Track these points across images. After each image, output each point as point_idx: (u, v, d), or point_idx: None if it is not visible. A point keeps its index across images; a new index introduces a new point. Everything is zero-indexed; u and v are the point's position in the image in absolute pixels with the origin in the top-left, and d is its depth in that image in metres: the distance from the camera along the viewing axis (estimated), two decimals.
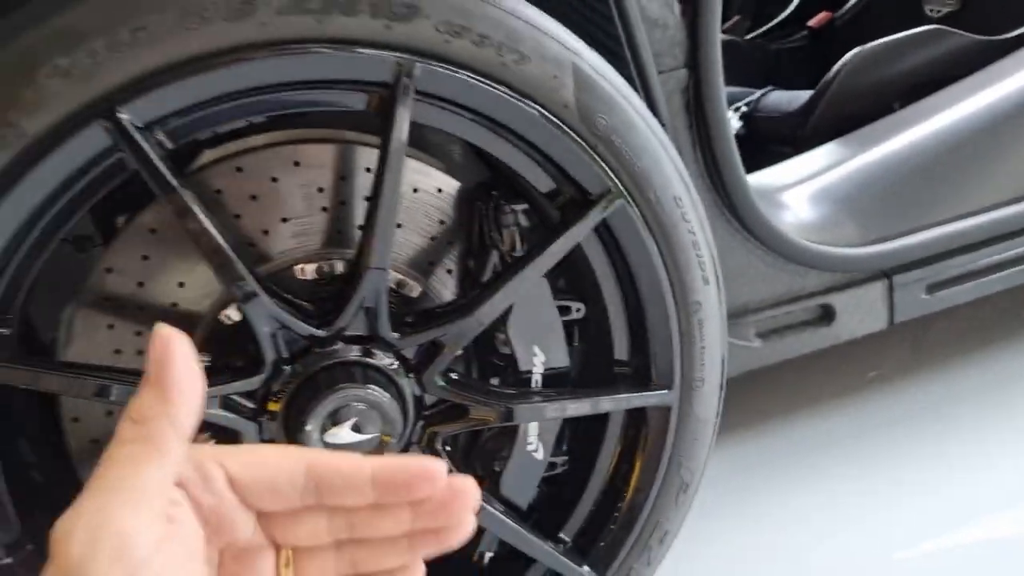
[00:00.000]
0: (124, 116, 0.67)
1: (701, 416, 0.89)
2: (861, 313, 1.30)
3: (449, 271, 0.90)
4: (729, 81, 1.26)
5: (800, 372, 1.54)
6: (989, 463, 1.34)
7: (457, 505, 0.40)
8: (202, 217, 0.70)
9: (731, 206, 1.15)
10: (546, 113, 0.76)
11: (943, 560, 1.17)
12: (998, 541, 1.20)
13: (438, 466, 0.40)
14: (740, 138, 1.70)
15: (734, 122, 1.75)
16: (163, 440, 0.37)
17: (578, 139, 0.77)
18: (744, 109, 1.76)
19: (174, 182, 0.69)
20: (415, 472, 0.40)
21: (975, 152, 1.32)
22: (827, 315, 1.27)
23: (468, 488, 0.40)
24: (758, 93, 1.77)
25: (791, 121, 1.64)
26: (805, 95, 1.63)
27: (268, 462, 0.40)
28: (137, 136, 0.67)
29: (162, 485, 0.37)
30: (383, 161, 0.72)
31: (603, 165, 0.79)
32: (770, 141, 1.69)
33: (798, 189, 1.33)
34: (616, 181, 0.80)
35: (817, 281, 1.26)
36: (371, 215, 0.73)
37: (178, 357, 0.38)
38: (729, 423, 1.42)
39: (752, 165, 1.29)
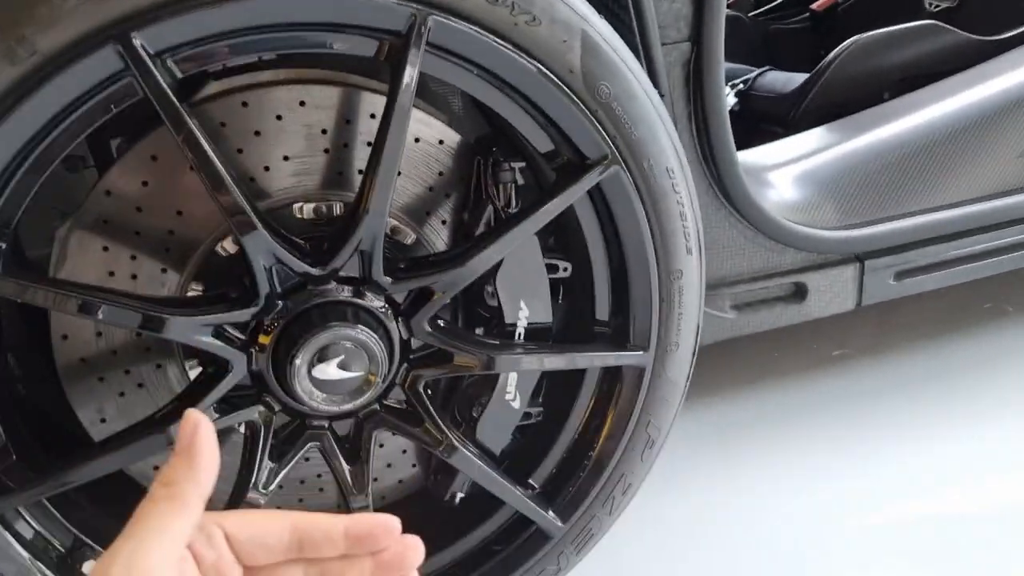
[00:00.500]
0: (138, 41, 0.67)
1: (673, 378, 0.94)
2: (832, 293, 1.35)
3: (444, 222, 0.92)
4: (728, 57, 1.28)
5: (770, 345, 1.60)
6: (949, 436, 1.38)
7: (409, 556, 0.49)
8: (207, 148, 0.72)
9: (719, 180, 1.18)
10: (552, 76, 0.78)
11: (900, 528, 1.20)
12: (957, 514, 1.24)
13: (395, 522, 0.50)
14: (734, 115, 1.72)
15: (730, 98, 1.77)
16: (189, 499, 0.45)
17: (580, 104, 0.79)
18: (741, 86, 1.78)
19: (183, 112, 0.70)
20: (379, 525, 0.49)
21: (955, 148, 1.36)
22: (799, 293, 1.32)
23: (417, 544, 0.50)
24: (756, 72, 1.78)
25: (785, 102, 1.66)
26: (801, 78, 1.65)
27: (259, 522, 0.49)
28: (149, 63, 0.68)
29: (184, 535, 0.45)
30: (389, 108, 0.74)
31: (602, 131, 0.81)
32: (763, 120, 1.71)
33: (784, 170, 1.36)
34: (613, 148, 0.82)
35: (793, 260, 1.30)
36: (373, 160, 0.75)
37: (203, 436, 0.46)
38: (701, 388, 1.49)
39: (743, 142, 1.32)
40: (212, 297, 0.81)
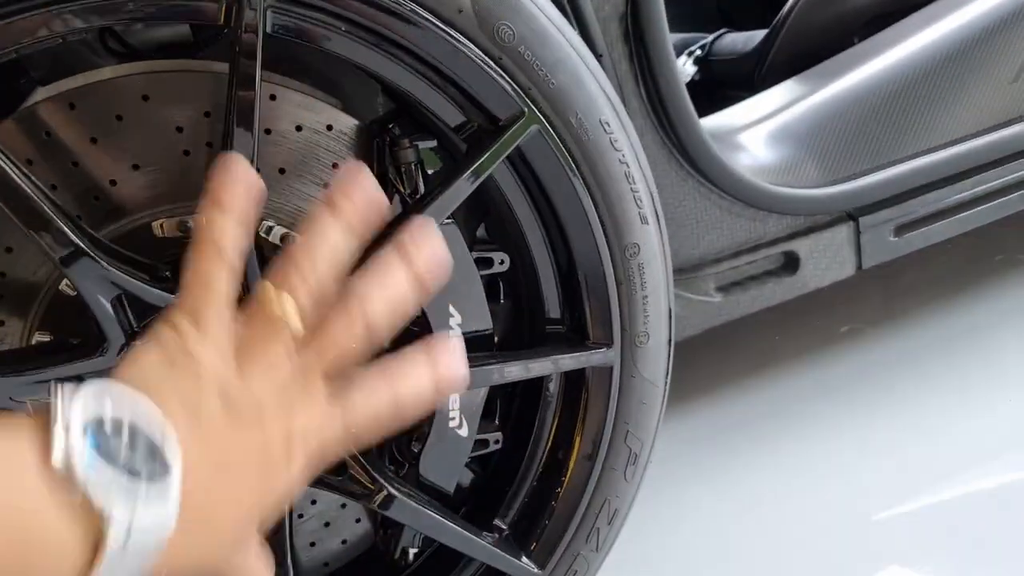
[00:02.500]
0: None
1: (648, 376, 0.77)
2: (827, 259, 1.20)
3: None
4: (680, 26, 1.15)
5: (766, 329, 1.45)
6: (968, 414, 1.26)
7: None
8: (7, 168, 0.56)
9: (681, 147, 1.03)
10: (436, 20, 0.63)
11: (924, 518, 1.10)
12: (978, 494, 1.13)
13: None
14: (695, 84, 1.59)
15: (688, 67, 1.64)
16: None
17: (478, 51, 0.64)
18: (699, 53, 1.65)
19: None
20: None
21: (941, 81, 1.22)
22: (791, 263, 1.18)
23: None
24: (712, 36, 1.66)
25: (747, 62, 1.53)
26: (760, 35, 1.52)
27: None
28: None
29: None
30: (232, 81, 0.59)
31: (511, 82, 0.66)
32: (726, 86, 1.58)
33: (756, 129, 1.22)
34: (528, 102, 0.67)
35: (778, 227, 1.16)
36: (224, 149, 0.60)
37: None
38: (690, 386, 1.35)
39: (709, 113, 1.18)
40: (47, 347, 0.65)
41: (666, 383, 0.81)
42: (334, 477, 0.71)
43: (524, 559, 0.78)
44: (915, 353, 1.39)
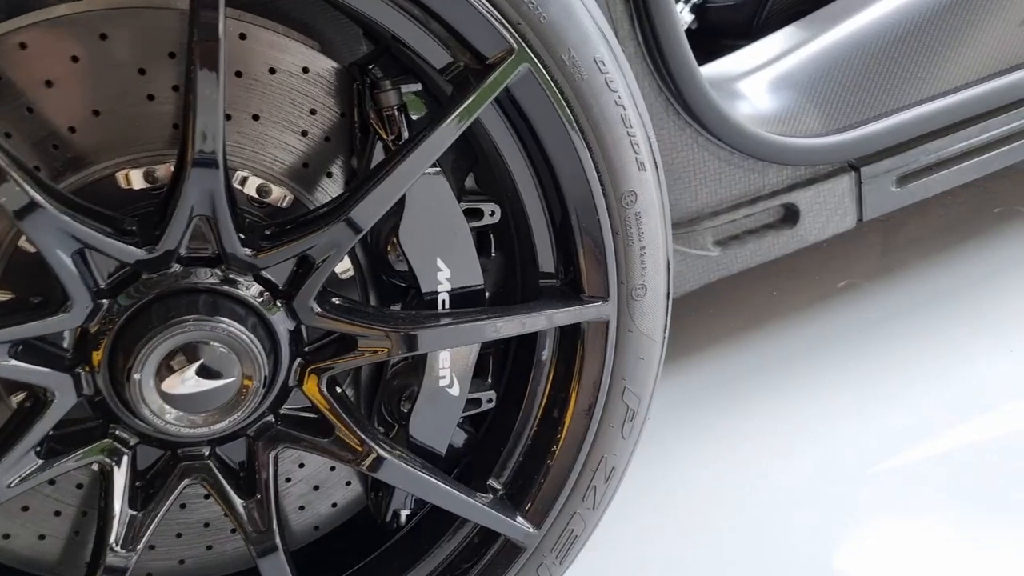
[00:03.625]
0: None
1: (645, 330, 0.74)
2: (828, 211, 1.17)
3: (329, 174, 0.72)
4: None
5: (764, 284, 1.43)
6: (969, 366, 1.25)
7: None
8: None
9: (679, 95, 0.99)
10: None
11: (925, 469, 1.10)
12: (980, 444, 1.12)
13: None
14: (692, 33, 1.53)
15: (685, 15, 1.58)
16: None
17: None
18: (695, 0, 1.59)
19: None
20: None
21: (947, 25, 1.18)
22: (791, 216, 1.14)
23: None
24: None
25: (746, 8, 1.47)
26: None
27: None
28: None
29: None
30: (194, 18, 0.54)
31: (499, 17, 0.61)
32: (724, 35, 1.52)
33: (755, 77, 1.17)
34: (518, 38, 0.62)
35: (778, 178, 1.12)
36: (188, 91, 0.55)
37: None
38: (687, 342, 1.33)
39: (705, 63, 1.13)
40: (5, 306, 0.61)
41: (664, 337, 0.77)
42: (322, 439, 0.68)
43: (519, 519, 0.76)
44: (914, 307, 1.37)
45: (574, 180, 0.68)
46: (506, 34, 0.62)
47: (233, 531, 0.78)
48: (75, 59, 0.62)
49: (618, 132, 0.68)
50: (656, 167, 0.72)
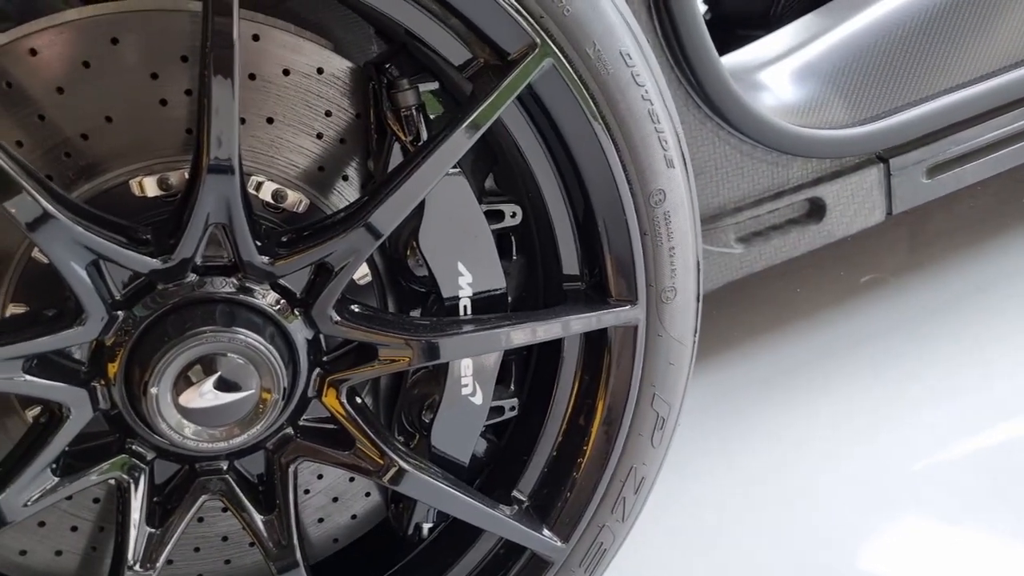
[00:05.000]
0: None
1: (675, 334, 0.72)
2: (855, 205, 1.13)
3: (345, 177, 0.70)
4: None
5: (787, 281, 1.39)
6: (999, 365, 1.20)
7: None
8: None
9: (699, 87, 0.96)
10: None
11: (960, 472, 1.06)
12: (1012, 444, 1.08)
13: None
14: (706, 23, 1.50)
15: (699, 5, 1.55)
16: None
17: None
18: None
19: None
20: None
21: (981, 8, 1.14)
22: (816, 210, 1.11)
23: None
24: None
25: None
26: None
27: None
28: None
29: None
30: (208, 19, 0.52)
31: (520, 11, 0.59)
32: (740, 25, 1.49)
33: (777, 67, 1.14)
34: (541, 32, 0.60)
35: (803, 171, 1.09)
36: (201, 95, 0.53)
37: None
38: (710, 343, 1.30)
39: (721, 54, 1.10)
40: (19, 320, 0.60)
41: (694, 341, 0.75)
42: (341, 452, 0.66)
43: (545, 532, 0.73)
44: (944, 303, 1.33)
45: (600, 179, 0.66)
46: (528, 28, 0.60)
47: (252, 545, 0.76)
48: (86, 64, 0.61)
49: (646, 128, 0.65)
50: (685, 163, 0.69)
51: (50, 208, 0.53)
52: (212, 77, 0.53)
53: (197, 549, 0.74)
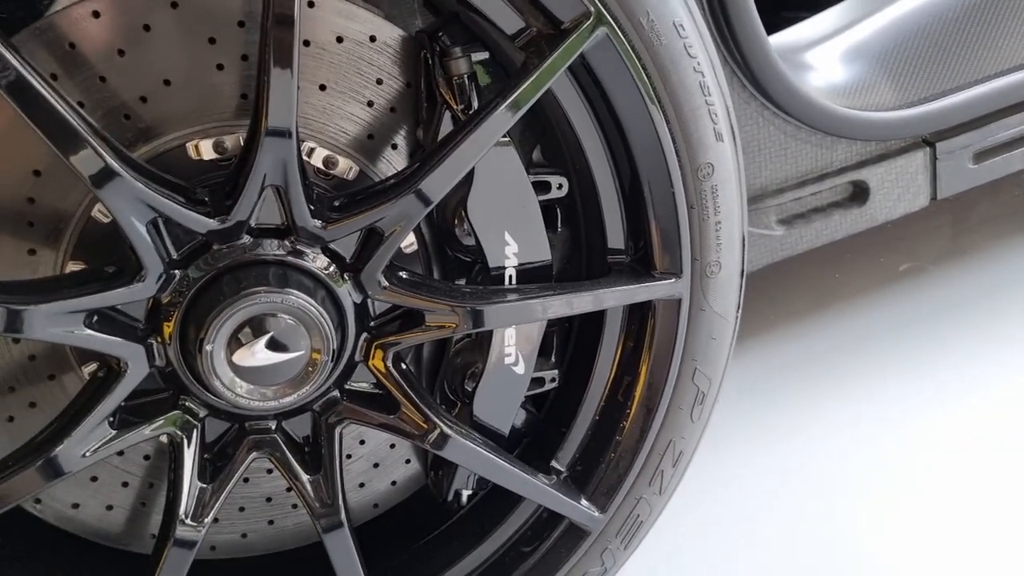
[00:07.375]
0: None
1: (719, 309, 0.72)
2: (900, 189, 1.11)
3: (394, 145, 0.71)
4: None
5: (826, 266, 1.38)
6: None
7: None
8: (27, 76, 0.51)
9: (745, 65, 0.95)
10: None
11: (993, 462, 1.04)
12: None
13: None
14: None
15: None
16: None
17: None
18: None
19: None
20: None
21: None
22: (860, 193, 1.09)
23: None
24: None
25: None
26: None
27: None
28: None
29: None
30: None
31: None
32: (784, 6, 1.46)
33: (824, 47, 1.12)
34: (596, 1, 0.60)
35: (847, 154, 1.07)
36: (261, 61, 0.54)
37: None
38: (744, 326, 1.29)
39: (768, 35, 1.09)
40: (81, 276, 0.61)
41: (737, 317, 0.75)
42: (387, 415, 0.67)
43: (584, 501, 0.74)
44: (986, 292, 1.31)
45: (648, 151, 0.66)
46: None
47: (295, 506, 0.78)
48: (147, 28, 0.62)
49: (696, 100, 0.65)
50: (734, 137, 0.69)
51: (115, 165, 0.54)
52: (270, 37, 0.54)
53: (242, 508, 0.76)
